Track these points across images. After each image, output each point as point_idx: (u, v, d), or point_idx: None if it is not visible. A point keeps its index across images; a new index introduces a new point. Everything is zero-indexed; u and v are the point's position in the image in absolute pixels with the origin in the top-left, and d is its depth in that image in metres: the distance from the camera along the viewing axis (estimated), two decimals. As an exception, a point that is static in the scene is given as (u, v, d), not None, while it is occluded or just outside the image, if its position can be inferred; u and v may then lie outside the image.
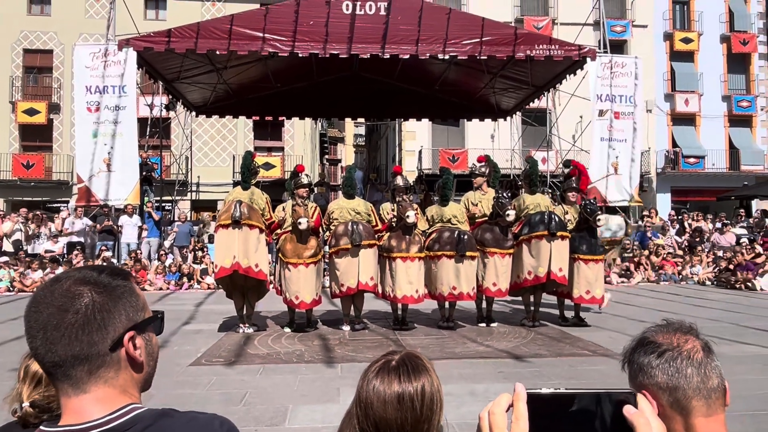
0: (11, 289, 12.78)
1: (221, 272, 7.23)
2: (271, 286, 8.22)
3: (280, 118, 21.41)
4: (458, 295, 7.49)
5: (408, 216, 7.25)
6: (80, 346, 1.00)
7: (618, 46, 23.58)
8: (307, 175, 8.01)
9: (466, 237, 7.45)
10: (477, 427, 0.83)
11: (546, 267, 7.60)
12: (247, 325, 7.56)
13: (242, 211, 7.09)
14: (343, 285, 7.45)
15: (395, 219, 7.64)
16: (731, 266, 13.41)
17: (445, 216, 7.75)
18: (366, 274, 7.42)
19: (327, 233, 7.79)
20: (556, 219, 7.71)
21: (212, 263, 8.86)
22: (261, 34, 11.26)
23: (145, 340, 1.08)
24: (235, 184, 7.39)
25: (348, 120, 37.43)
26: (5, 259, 13.64)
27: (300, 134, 26.38)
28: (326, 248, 8.05)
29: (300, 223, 7.16)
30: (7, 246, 14.42)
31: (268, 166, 24.02)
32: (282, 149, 26.43)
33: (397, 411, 1.25)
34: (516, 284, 8.00)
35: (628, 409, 0.81)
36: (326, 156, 41.81)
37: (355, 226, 7.40)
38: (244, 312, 7.61)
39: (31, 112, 24.15)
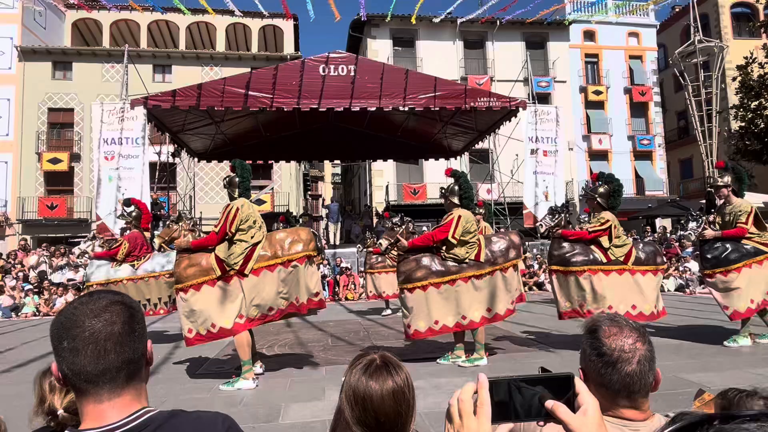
0: (37, 313, 12.26)
1: (239, 327, 5.00)
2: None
3: (270, 162, 21.33)
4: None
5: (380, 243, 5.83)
6: (130, 352, 1.00)
7: (543, 98, 24.27)
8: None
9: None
10: (447, 411, 0.82)
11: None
12: (260, 363, 5.56)
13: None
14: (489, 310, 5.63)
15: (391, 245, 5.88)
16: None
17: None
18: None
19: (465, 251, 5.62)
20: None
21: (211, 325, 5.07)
22: (244, 92, 11.16)
23: None
24: (231, 198, 5.24)
25: (326, 161, 37.49)
26: (29, 287, 13.12)
27: (287, 174, 26.25)
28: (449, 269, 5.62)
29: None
30: (32, 276, 13.88)
31: (259, 202, 23.82)
32: (272, 187, 26.24)
33: (393, 403, 1.25)
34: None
35: (548, 404, 0.77)
36: (309, 192, 41.62)
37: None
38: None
39: (54, 161, 23.55)
